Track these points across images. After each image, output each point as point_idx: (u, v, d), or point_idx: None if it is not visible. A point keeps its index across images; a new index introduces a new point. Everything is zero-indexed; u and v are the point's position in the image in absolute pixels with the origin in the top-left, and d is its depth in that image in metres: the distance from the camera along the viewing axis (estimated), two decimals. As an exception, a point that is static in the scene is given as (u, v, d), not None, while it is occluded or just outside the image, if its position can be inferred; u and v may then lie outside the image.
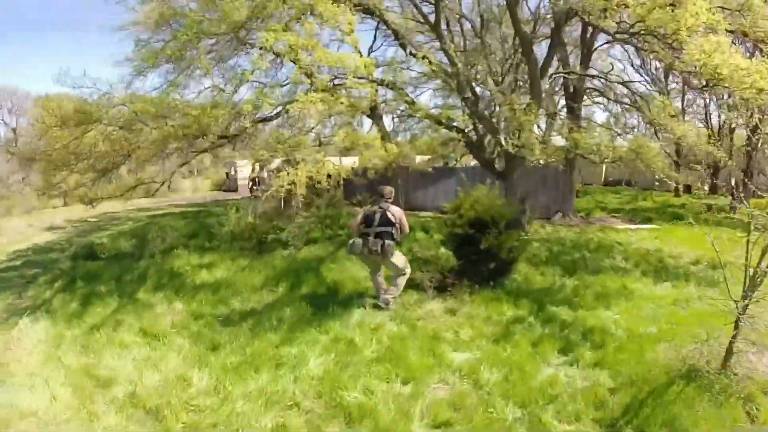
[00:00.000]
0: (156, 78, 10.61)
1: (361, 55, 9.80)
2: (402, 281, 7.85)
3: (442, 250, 10.07)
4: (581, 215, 16.99)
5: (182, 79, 9.45)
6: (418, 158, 18.89)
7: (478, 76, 14.55)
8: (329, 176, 9.95)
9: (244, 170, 27.98)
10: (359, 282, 8.89)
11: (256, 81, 11.03)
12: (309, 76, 8.64)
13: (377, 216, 7.56)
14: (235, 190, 29.79)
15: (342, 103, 8.36)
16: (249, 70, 8.64)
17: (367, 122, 16.79)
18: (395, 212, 7.64)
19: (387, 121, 16.74)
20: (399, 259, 7.85)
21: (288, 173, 9.11)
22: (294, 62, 8.17)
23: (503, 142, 11.12)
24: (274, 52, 10.34)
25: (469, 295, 8.07)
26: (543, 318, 7.24)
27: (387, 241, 7.42)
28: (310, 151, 9.81)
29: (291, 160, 11.46)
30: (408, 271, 7.97)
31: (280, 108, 11.08)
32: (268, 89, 9.08)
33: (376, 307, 7.75)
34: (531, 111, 10.67)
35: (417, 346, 6.30)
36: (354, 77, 8.33)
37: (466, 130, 11.83)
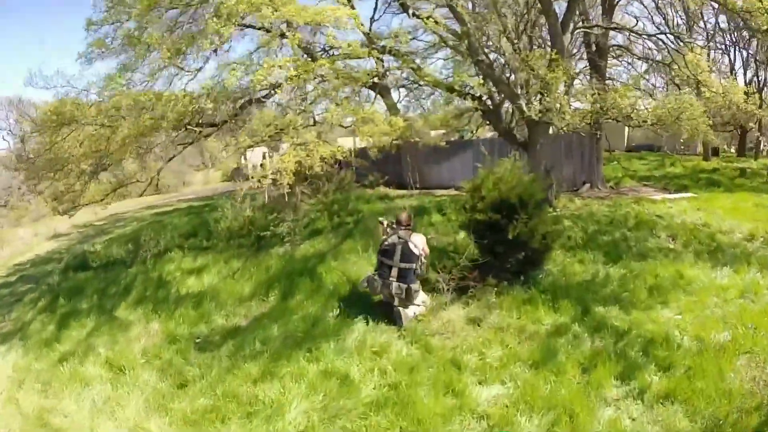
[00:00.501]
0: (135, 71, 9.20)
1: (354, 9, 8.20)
2: (414, 311, 6.42)
3: (461, 235, 8.52)
4: (610, 185, 15.21)
5: (136, 64, 8.06)
6: (433, 133, 17.28)
7: (491, 42, 12.80)
8: (323, 160, 8.55)
9: (252, 158, 26.72)
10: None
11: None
12: (282, 36, 7.08)
13: (398, 249, 6.33)
14: (246, 179, 28.57)
15: (325, 66, 6.79)
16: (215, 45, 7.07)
17: (377, 100, 15.28)
18: (417, 242, 6.44)
19: (397, 97, 15.20)
20: (422, 297, 6.53)
21: (271, 159, 7.75)
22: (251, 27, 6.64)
23: (524, 108, 9.51)
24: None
25: (496, 296, 6.56)
26: (590, 325, 5.74)
27: (413, 286, 6.21)
28: (299, 132, 8.34)
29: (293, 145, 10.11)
30: (428, 304, 6.61)
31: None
32: (238, 65, 7.54)
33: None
34: (557, 67, 8.98)
35: (431, 378, 4.87)
36: (347, 45, 6.73)
37: (482, 98, 10.23)
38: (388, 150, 11.41)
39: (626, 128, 24.10)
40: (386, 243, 6.46)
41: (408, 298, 6.20)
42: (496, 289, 6.65)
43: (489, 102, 10.50)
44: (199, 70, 8.26)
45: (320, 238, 10.58)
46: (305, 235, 10.81)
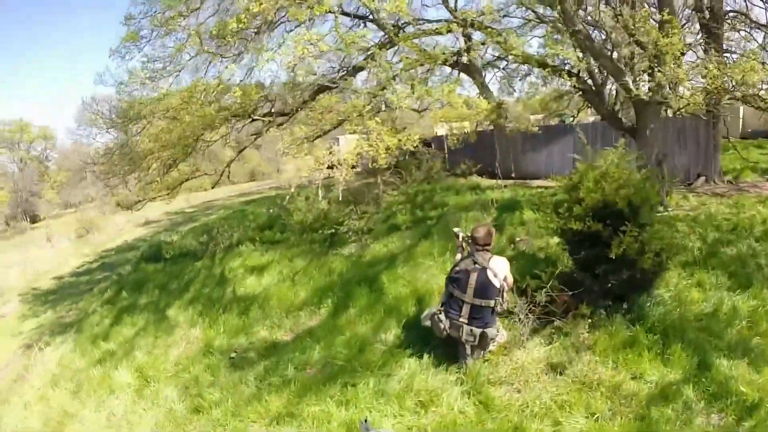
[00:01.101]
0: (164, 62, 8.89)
1: None
2: (484, 351, 4.91)
3: (555, 240, 6.73)
4: (728, 179, 12.51)
5: (167, 54, 7.56)
6: (532, 117, 15.50)
7: (589, 17, 10.88)
8: (388, 150, 7.49)
9: (345, 146, 26.33)
10: (428, 300, 6.20)
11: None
12: (310, 8, 5.93)
13: (472, 278, 4.72)
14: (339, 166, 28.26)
15: (366, 36, 5.61)
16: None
17: (465, 82, 13.83)
18: (498, 270, 4.79)
19: (488, 79, 13.65)
20: (501, 338, 4.99)
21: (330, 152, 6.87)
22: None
23: (631, 87, 7.73)
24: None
25: (588, 330, 4.99)
26: (707, 387, 4.03)
27: (489, 331, 4.69)
28: (364, 119, 7.29)
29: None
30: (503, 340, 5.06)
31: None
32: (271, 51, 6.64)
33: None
34: (673, 30, 7.12)
35: (483, 453, 3.57)
36: (393, 6, 5.48)
37: (579, 75, 8.57)
38: (467, 137, 10.03)
39: (741, 111, 20.11)
40: (457, 268, 4.89)
41: (482, 346, 4.72)
42: (590, 320, 5.07)
43: (590, 81, 8.78)
44: (238, 55, 7.46)
45: (396, 235, 9.41)
46: (381, 231, 9.80)
